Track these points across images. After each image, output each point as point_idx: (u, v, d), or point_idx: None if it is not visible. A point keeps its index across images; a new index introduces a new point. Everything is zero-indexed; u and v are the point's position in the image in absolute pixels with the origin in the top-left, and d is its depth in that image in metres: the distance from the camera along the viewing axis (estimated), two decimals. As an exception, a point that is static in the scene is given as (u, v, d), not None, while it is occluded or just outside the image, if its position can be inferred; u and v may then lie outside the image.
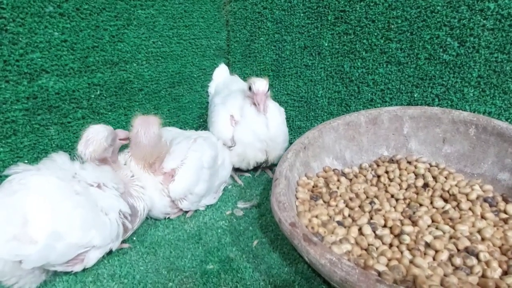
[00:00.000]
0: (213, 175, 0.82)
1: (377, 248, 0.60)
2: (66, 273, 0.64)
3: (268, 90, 0.88)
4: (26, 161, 0.76)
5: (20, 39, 0.71)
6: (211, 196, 0.85)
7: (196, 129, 1.12)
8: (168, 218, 0.81)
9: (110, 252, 0.69)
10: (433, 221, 0.65)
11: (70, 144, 0.84)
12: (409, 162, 0.81)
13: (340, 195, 0.74)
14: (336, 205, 0.71)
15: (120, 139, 0.75)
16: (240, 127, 0.89)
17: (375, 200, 0.71)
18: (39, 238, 0.56)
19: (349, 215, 0.69)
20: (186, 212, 0.83)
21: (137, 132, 0.72)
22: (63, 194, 0.61)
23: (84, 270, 0.65)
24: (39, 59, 0.74)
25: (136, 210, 0.72)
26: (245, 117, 0.89)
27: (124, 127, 0.94)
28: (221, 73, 1.18)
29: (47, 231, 0.57)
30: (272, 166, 0.99)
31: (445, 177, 0.75)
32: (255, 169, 0.99)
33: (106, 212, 0.65)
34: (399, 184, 0.76)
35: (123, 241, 0.72)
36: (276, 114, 0.91)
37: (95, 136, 0.67)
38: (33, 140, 0.78)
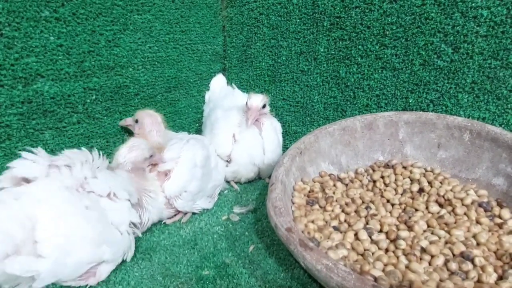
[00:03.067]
0: (205, 174, 0.83)
1: (373, 253, 0.60)
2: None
3: (265, 106, 0.89)
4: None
5: (16, 43, 0.71)
6: (205, 198, 0.85)
7: (190, 133, 1.12)
8: (164, 223, 0.81)
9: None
10: (428, 226, 0.65)
11: (64, 149, 0.83)
12: (404, 167, 0.82)
13: (336, 200, 0.74)
14: (332, 210, 0.71)
15: (154, 161, 0.78)
16: (238, 147, 0.91)
17: (371, 205, 0.72)
18: (49, 254, 0.54)
19: (345, 220, 0.69)
20: (182, 217, 0.83)
21: (150, 131, 0.83)
22: (74, 208, 0.59)
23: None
24: (35, 64, 0.74)
25: (142, 221, 0.72)
26: (243, 137, 0.90)
27: (119, 132, 0.95)
28: (218, 82, 1.19)
29: (56, 247, 0.55)
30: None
31: (440, 182, 0.75)
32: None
33: (117, 225, 0.64)
34: (395, 189, 0.76)
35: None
36: (272, 136, 0.92)
37: (140, 145, 0.72)
38: (28, 145, 0.77)
